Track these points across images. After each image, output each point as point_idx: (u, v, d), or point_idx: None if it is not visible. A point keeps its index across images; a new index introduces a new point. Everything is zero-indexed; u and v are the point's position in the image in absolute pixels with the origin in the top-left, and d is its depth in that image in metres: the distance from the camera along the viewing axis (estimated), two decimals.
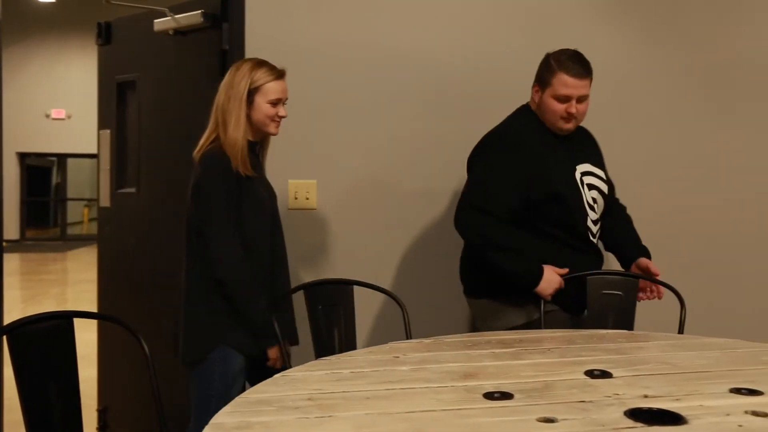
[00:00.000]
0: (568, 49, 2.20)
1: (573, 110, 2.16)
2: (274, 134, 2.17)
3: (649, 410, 1.18)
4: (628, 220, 2.42)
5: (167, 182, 2.90)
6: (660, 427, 1.10)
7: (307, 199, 2.77)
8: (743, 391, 1.30)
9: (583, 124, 2.32)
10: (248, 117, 2.09)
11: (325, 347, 2.04)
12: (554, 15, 2.89)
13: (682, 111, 3.01)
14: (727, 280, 3.01)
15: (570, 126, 2.21)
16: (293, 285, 2.14)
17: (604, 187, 2.30)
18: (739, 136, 3.06)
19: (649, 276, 2.22)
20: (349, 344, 2.08)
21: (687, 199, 3.03)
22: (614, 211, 2.40)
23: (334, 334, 2.07)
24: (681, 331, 2.05)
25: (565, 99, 2.16)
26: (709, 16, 2.98)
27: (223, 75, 2.69)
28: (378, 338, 2.64)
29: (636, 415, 1.16)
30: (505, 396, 1.26)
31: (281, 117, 2.14)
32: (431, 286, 2.85)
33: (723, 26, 3.00)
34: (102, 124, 3.26)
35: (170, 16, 2.75)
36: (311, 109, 2.76)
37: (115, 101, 3.15)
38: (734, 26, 3.01)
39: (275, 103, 2.10)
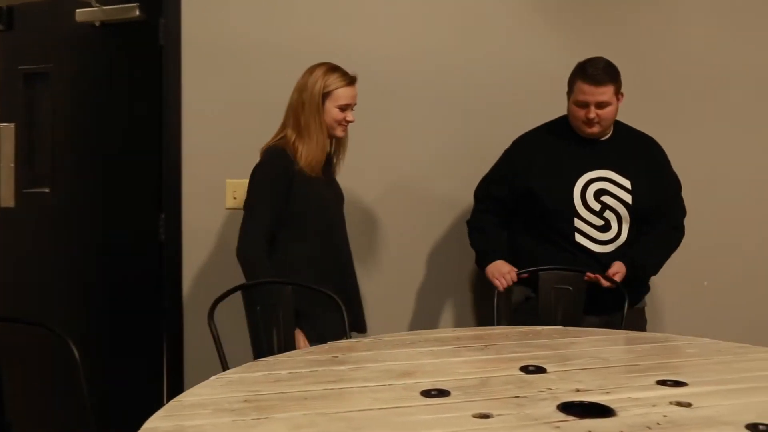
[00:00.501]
0: (596, 58, 2.31)
1: (592, 115, 2.27)
2: (340, 137, 2.27)
3: (581, 403, 1.22)
4: (652, 237, 2.39)
5: (85, 182, 2.78)
6: (590, 420, 1.13)
7: None
8: (669, 383, 1.35)
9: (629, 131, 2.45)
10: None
11: (263, 348, 2.02)
12: (489, 17, 2.94)
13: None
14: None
15: (594, 130, 2.31)
16: (232, 285, 2.11)
17: (625, 196, 2.32)
18: (668, 140, 3.18)
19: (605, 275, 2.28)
20: (288, 345, 2.06)
21: None
22: (655, 228, 2.40)
23: (272, 335, 2.05)
24: (621, 325, 2.14)
25: (583, 104, 2.28)
26: (638, 19, 3.08)
27: (159, 71, 2.65)
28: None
29: (568, 408, 1.19)
30: (442, 393, 1.28)
31: (348, 122, 2.24)
32: (375, 285, 2.86)
33: (649, 30, 3.10)
34: (3, 117, 2.94)
35: (97, 6, 2.63)
36: (250, 106, 2.73)
37: (22, 93, 2.87)
38: (660, 31, 3.11)
39: (344, 108, 2.20)
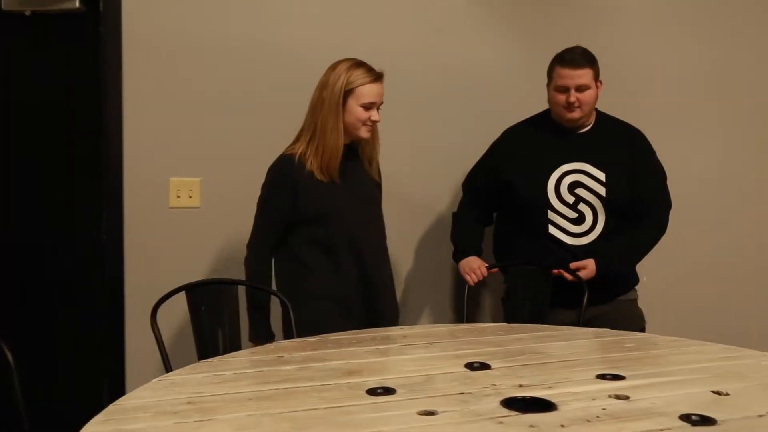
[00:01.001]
0: (573, 46, 2.35)
1: (572, 99, 2.29)
2: (365, 138, 2.15)
3: (523, 399, 1.24)
4: (629, 233, 2.37)
5: (22, 179, 2.67)
6: (532, 415, 1.15)
7: (190, 197, 2.69)
8: (608, 376, 1.39)
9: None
10: (343, 120, 2.09)
11: (208, 349, 1.99)
12: (438, 17, 2.96)
13: None
14: None
15: (575, 115, 2.33)
16: (176, 286, 2.07)
17: (599, 189, 2.33)
18: None
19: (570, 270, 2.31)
20: (233, 346, 2.03)
21: None
22: (638, 223, 2.39)
23: (218, 336, 2.02)
24: (582, 316, 2.21)
25: (563, 89, 2.31)
26: (578, 23, 3.14)
27: (97, 64, 2.57)
28: None
29: (511, 404, 1.21)
30: (388, 391, 1.28)
31: (374, 121, 2.12)
32: None
33: (589, 33, 3.18)
34: None
35: None
36: (195, 103, 2.69)
37: None
38: (600, 34, 3.19)
39: (368, 107, 2.09)
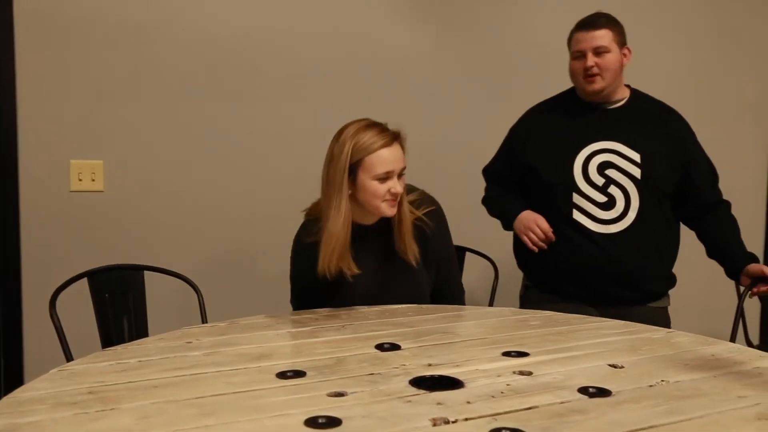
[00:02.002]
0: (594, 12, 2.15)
1: (589, 63, 2.07)
2: (390, 216, 1.79)
3: (431, 377, 1.26)
4: (724, 225, 2.17)
5: None
6: (440, 392, 1.18)
7: (93, 180, 2.59)
8: (513, 353, 1.44)
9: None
10: (354, 197, 1.76)
11: (112, 337, 1.92)
12: (352, 7, 2.94)
13: (470, 102, 3.22)
14: None
15: (595, 86, 2.09)
16: (77, 272, 1.98)
17: (633, 170, 2.07)
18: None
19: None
20: (140, 333, 1.98)
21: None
22: (712, 214, 2.18)
23: (123, 323, 1.96)
24: (492, 300, 2.22)
25: (580, 55, 2.10)
26: (491, 11, 3.21)
27: None
28: (173, 325, 2.55)
29: (419, 383, 1.23)
30: (298, 374, 1.28)
31: (395, 194, 1.75)
32: (229, 270, 2.80)
33: (502, 21, 3.25)
34: None
35: None
36: (95, 84, 2.57)
37: None
38: (513, 22, 3.27)
39: (384, 179, 1.73)
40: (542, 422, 1.03)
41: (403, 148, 1.79)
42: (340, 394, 1.16)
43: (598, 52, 2.07)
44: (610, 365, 1.35)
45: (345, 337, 1.59)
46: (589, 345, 1.52)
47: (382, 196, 1.75)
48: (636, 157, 2.08)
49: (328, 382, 1.23)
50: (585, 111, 2.17)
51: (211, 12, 2.71)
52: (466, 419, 1.04)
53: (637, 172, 2.07)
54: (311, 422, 1.02)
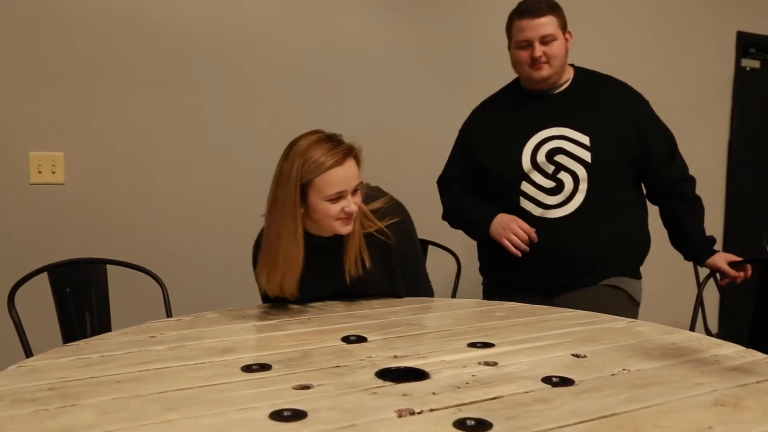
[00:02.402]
0: None
1: (537, 53, 2.00)
2: (344, 233, 1.70)
3: (397, 369, 1.27)
4: (687, 209, 2.13)
5: None
6: (406, 384, 1.18)
7: (53, 173, 2.54)
8: (478, 344, 1.45)
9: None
10: (307, 214, 1.66)
11: (74, 332, 1.89)
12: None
13: (433, 95, 3.23)
14: None
15: (543, 73, 2.03)
16: (36, 267, 1.94)
17: (583, 154, 2.01)
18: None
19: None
20: (103, 328, 1.95)
21: None
22: (676, 196, 2.13)
23: (85, 318, 1.93)
24: (454, 292, 2.22)
25: (526, 44, 2.02)
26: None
27: None
28: (137, 320, 2.51)
29: (385, 374, 1.23)
30: (264, 367, 1.27)
31: (349, 213, 1.66)
32: (195, 263, 2.78)
33: (474, 17, 3.26)
34: None
35: None
36: (55, 74, 2.52)
37: None
38: (477, 20, 3.28)
39: (336, 199, 1.63)
40: (506, 412, 1.04)
41: (358, 162, 1.69)
42: (306, 387, 1.16)
43: (545, 41, 2.01)
44: (573, 355, 1.37)
45: (311, 330, 1.59)
46: (553, 335, 1.54)
47: (335, 216, 1.66)
48: (585, 140, 2.03)
49: (293, 375, 1.23)
50: (531, 100, 2.12)
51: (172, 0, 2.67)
52: (432, 410, 1.05)
53: (587, 155, 2.01)
54: (276, 415, 1.02)
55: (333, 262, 1.78)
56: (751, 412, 1.06)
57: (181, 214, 2.74)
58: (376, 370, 1.26)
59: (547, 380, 1.20)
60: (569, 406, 1.07)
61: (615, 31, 3.60)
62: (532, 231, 2.00)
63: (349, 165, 1.64)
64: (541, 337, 1.52)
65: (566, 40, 2.07)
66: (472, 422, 0.99)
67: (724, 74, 4.04)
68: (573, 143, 2.03)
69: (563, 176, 2.03)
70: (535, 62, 2.02)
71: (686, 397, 1.12)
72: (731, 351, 1.41)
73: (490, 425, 0.99)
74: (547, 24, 2.00)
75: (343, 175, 1.62)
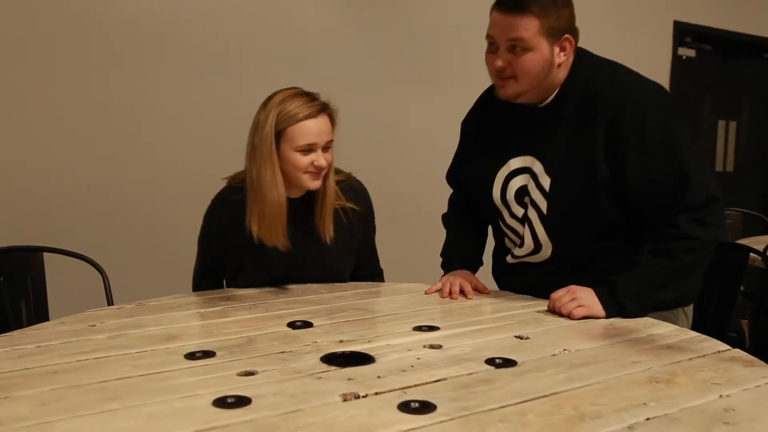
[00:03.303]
0: None
1: (500, 63, 1.52)
2: (313, 188, 1.73)
3: (343, 354, 1.27)
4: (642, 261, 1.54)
5: None
6: (351, 368, 1.18)
7: None
8: (424, 328, 1.46)
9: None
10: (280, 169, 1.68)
11: (9, 323, 1.83)
12: None
13: (388, 80, 3.23)
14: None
15: (506, 91, 1.57)
16: None
17: (541, 201, 1.60)
18: (434, 106, 3.38)
19: None
20: (39, 317, 1.89)
21: (399, 165, 3.28)
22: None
23: (20, 308, 1.87)
24: None
25: (491, 44, 1.55)
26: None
27: None
28: (76, 309, 2.45)
29: (330, 359, 1.24)
30: (207, 354, 1.26)
31: (320, 167, 1.69)
32: (136, 250, 2.72)
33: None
34: None
35: None
36: None
37: None
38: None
39: (307, 151, 1.66)
40: (450, 393, 1.06)
41: (332, 120, 1.73)
42: (251, 373, 1.15)
43: (513, 48, 1.51)
44: (516, 336, 1.40)
45: (256, 316, 1.57)
46: (497, 318, 1.57)
47: (304, 169, 1.69)
48: (546, 183, 1.58)
49: (238, 362, 1.22)
50: (515, 110, 1.65)
51: None
52: (377, 393, 1.05)
53: (543, 204, 1.60)
54: (220, 402, 1.01)
55: (305, 223, 1.80)
56: (683, 387, 1.10)
57: (121, 200, 2.68)
58: (322, 355, 1.26)
59: (490, 362, 1.22)
60: (511, 387, 1.09)
61: None
62: (470, 294, 1.73)
63: (323, 119, 1.68)
64: (486, 320, 1.54)
65: (561, 48, 1.53)
66: (417, 404, 1.00)
67: (661, 63, 4.15)
68: (535, 184, 1.61)
69: (525, 224, 1.66)
70: (498, 74, 1.56)
71: (623, 375, 1.16)
72: (666, 330, 1.46)
73: (434, 407, 1.00)
74: (520, 25, 1.47)
75: (316, 128, 1.66)
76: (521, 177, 1.64)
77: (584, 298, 1.54)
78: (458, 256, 1.91)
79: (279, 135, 1.67)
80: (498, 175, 1.68)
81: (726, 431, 0.92)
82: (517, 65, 1.51)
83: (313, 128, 1.66)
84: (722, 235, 1.54)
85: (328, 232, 1.80)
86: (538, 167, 1.60)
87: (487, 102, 1.77)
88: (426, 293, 1.81)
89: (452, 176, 1.96)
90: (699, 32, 4.45)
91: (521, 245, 1.69)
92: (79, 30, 2.56)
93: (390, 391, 1.07)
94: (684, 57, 4.50)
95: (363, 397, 1.04)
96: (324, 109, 1.70)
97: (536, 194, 1.60)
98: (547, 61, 1.52)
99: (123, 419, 0.95)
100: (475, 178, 1.76)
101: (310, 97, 1.70)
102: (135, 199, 2.70)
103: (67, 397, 1.03)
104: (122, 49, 2.64)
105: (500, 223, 1.75)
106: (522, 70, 1.51)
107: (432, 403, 1.01)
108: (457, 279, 1.79)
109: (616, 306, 1.53)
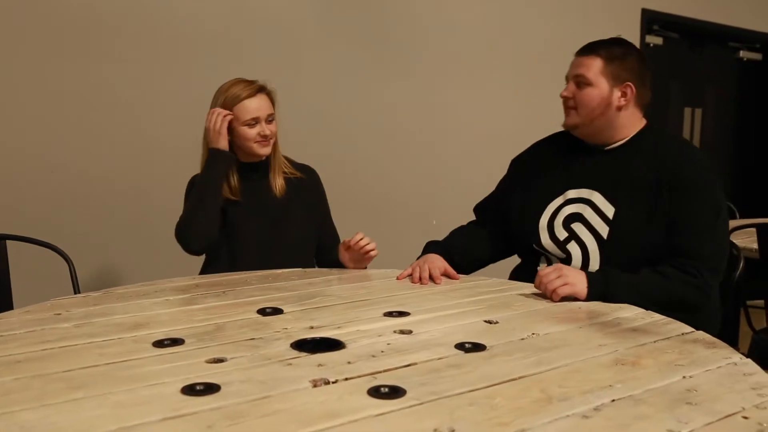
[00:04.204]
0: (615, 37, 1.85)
1: (565, 93, 1.81)
2: (264, 156, 2.04)
3: (313, 340, 1.27)
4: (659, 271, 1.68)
5: None
6: (321, 354, 1.18)
7: None
8: (394, 313, 1.47)
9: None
10: (234, 142, 2.01)
11: None
12: None
13: (352, 63, 3.21)
14: (400, 221, 3.35)
15: (568, 119, 1.82)
16: None
17: (601, 227, 1.75)
18: (403, 87, 3.37)
19: None
20: (3, 306, 1.85)
21: (368, 147, 3.27)
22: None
23: None
24: None
25: (566, 81, 1.83)
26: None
27: None
28: (42, 298, 2.41)
29: (301, 345, 1.23)
30: (176, 342, 1.25)
31: (265, 136, 2.00)
32: (104, 238, 2.68)
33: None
34: None
35: None
36: None
37: None
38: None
39: (252, 124, 1.99)
40: (420, 378, 1.06)
41: (271, 98, 2.04)
42: (220, 361, 1.14)
43: (578, 81, 1.79)
44: (485, 321, 1.41)
45: (226, 303, 1.56)
46: (467, 303, 1.58)
47: (253, 138, 2.00)
48: (610, 212, 1.75)
49: (207, 349, 1.21)
50: (577, 150, 1.87)
51: None
52: (347, 379, 1.06)
53: (604, 230, 1.75)
54: (188, 390, 1.00)
55: (263, 183, 2.08)
56: (647, 369, 1.12)
57: (89, 187, 2.63)
58: (292, 341, 1.25)
59: (460, 346, 1.23)
60: (480, 371, 1.10)
61: (521, 8, 3.66)
62: (438, 279, 1.80)
63: (261, 97, 2.01)
64: (456, 305, 1.55)
65: (622, 94, 1.77)
66: (386, 389, 1.01)
67: None
68: (596, 212, 1.77)
69: (572, 247, 1.79)
70: (564, 104, 1.83)
71: (590, 357, 1.18)
72: (632, 314, 1.49)
73: (403, 392, 1.00)
74: (587, 65, 1.77)
75: (256, 104, 1.99)
76: (576, 206, 1.81)
77: (570, 276, 1.61)
78: (438, 242, 2.00)
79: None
80: (552, 203, 1.85)
81: (688, 411, 0.94)
82: (578, 95, 1.78)
83: (254, 105, 1.99)
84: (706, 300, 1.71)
85: (279, 186, 2.07)
86: (598, 198, 1.78)
87: (547, 143, 2.00)
88: (397, 279, 1.83)
89: (486, 207, 2.07)
90: (666, 20, 4.50)
91: (564, 262, 1.79)
92: (38, 13, 2.50)
93: (360, 376, 1.07)
94: (652, 45, 4.55)
95: (333, 382, 1.04)
96: (262, 89, 2.02)
97: (596, 220, 1.76)
98: (604, 99, 1.76)
99: (89, 408, 0.94)
100: (523, 208, 1.90)
101: (249, 81, 2.02)
102: (101, 186, 2.66)
103: (32, 387, 1.02)
104: (92, 32, 2.58)
105: (534, 245, 1.87)
106: (580, 101, 1.77)
107: (402, 387, 1.01)
108: (426, 264, 1.84)
109: (600, 287, 1.61)
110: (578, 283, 1.60)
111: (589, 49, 1.79)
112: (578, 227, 1.78)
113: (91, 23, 2.59)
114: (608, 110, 1.78)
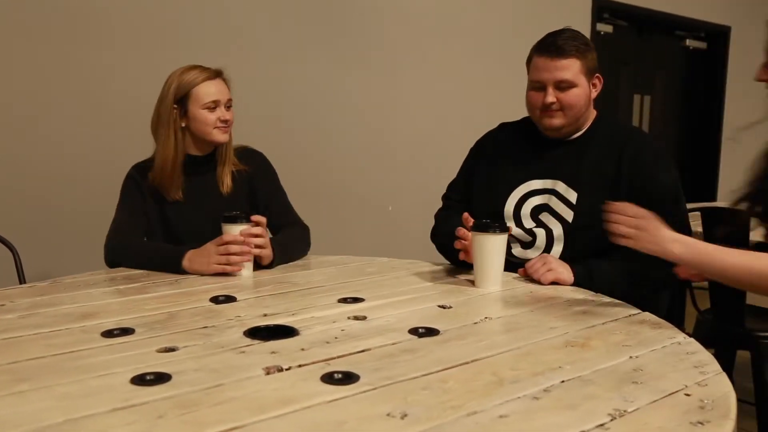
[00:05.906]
0: (561, 29, 1.79)
1: (549, 99, 1.74)
2: (222, 142, 1.93)
3: (267, 327, 1.26)
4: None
5: None
6: (275, 342, 1.18)
7: None
8: (349, 300, 1.47)
9: None
10: (188, 129, 1.90)
11: None
12: None
13: (306, 48, 3.18)
14: (361, 210, 3.34)
15: (555, 122, 1.78)
16: None
17: (566, 213, 1.78)
18: (358, 74, 3.36)
19: None
20: None
21: (335, 138, 3.25)
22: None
23: None
24: None
25: (539, 86, 1.77)
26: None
27: None
28: None
29: (254, 333, 1.23)
30: (126, 332, 1.22)
31: (225, 121, 1.90)
32: (50, 226, 2.61)
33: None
34: None
35: None
36: None
37: None
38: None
39: (212, 108, 1.88)
40: (373, 363, 1.07)
41: (227, 84, 1.94)
42: (171, 350, 1.13)
43: (561, 86, 1.75)
44: (439, 306, 1.42)
45: (178, 292, 1.54)
46: (422, 288, 1.59)
47: (213, 124, 1.89)
48: (572, 197, 1.79)
49: (158, 338, 1.19)
50: (539, 142, 1.87)
51: None
52: (300, 366, 1.05)
53: (569, 215, 1.78)
54: (138, 380, 0.99)
55: (208, 179, 1.96)
56: (596, 350, 1.15)
57: (32, 174, 2.55)
58: (245, 329, 1.24)
59: (413, 331, 1.24)
60: (434, 355, 1.11)
61: None
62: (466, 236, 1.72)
63: (219, 81, 1.92)
64: (410, 290, 1.56)
65: (593, 85, 1.82)
66: (340, 375, 1.01)
67: None
68: (560, 200, 1.81)
69: (538, 231, 1.82)
70: (546, 108, 1.77)
71: (541, 340, 1.20)
72: (583, 296, 1.52)
73: (357, 377, 1.01)
74: (567, 68, 1.74)
75: (216, 88, 1.89)
76: (542, 197, 1.83)
77: (556, 265, 1.67)
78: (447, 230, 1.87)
79: (185, 98, 1.88)
80: (515, 192, 1.85)
81: (634, 389, 0.97)
82: (565, 99, 1.75)
83: (214, 88, 1.89)
84: None
85: (226, 185, 1.95)
86: (561, 187, 1.81)
87: (506, 131, 1.98)
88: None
89: (454, 192, 2.03)
90: (615, 8, 4.57)
91: (528, 247, 1.83)
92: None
93: (313, 363, 1.07)
94: (602, 32, 4.62)
95: (286, 369, 1.04)
96: (219, 74, 1.93)
97: (561, 207, 1.79)
98: (587, 96, 1.79)
99: (34, 400, 0.92)
100: (486, 195, 1.90)
101: (204, 66, 1.92)
102: (47, 173, 2.58)
103: None
104: (48, 24, 2.50)
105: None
106: (568, 103, 1.76)
107: (355, 373, 1.02)
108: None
109: (586, 282, 1.64)
110: (564, 271, 1.66)
111: (561, 51, 1.74)
112: (546, 217, 1.82)
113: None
114: (588, 104, 1.82)
